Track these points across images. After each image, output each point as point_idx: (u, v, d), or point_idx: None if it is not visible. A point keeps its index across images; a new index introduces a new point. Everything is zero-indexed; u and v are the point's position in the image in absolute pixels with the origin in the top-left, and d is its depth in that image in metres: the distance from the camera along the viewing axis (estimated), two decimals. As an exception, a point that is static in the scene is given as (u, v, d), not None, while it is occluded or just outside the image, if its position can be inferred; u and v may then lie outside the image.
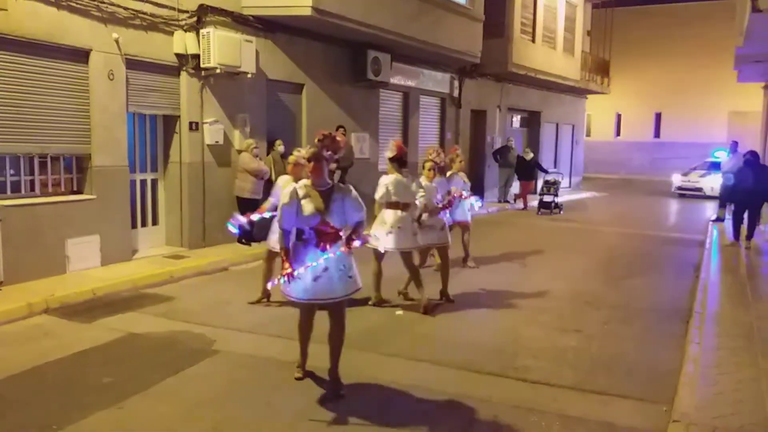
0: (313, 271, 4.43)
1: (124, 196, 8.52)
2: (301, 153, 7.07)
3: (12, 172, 7.49)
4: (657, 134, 33.15)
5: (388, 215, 6.75)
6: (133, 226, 8.92)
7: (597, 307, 7.36)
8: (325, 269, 4.46)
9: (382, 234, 6.71)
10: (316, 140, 4.55)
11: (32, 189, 7.69)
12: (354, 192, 4.64)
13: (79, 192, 8.14)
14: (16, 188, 7.52)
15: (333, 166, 10.43)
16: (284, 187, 6.99)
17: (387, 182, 6.73)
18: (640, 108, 32.70)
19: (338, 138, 4.57)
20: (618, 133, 34.10)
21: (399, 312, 6.90)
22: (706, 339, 5.95)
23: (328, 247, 4.48)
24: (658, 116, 32.97)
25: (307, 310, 4.76)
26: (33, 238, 7.36)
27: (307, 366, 5.02)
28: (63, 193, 7.98)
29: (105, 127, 8.17)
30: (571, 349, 5.88)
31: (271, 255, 6.84)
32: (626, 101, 32.34)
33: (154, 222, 9.47)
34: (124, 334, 5.99)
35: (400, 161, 6.78)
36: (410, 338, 6.11)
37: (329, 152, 4.52)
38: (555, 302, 7.55)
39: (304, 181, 4.63)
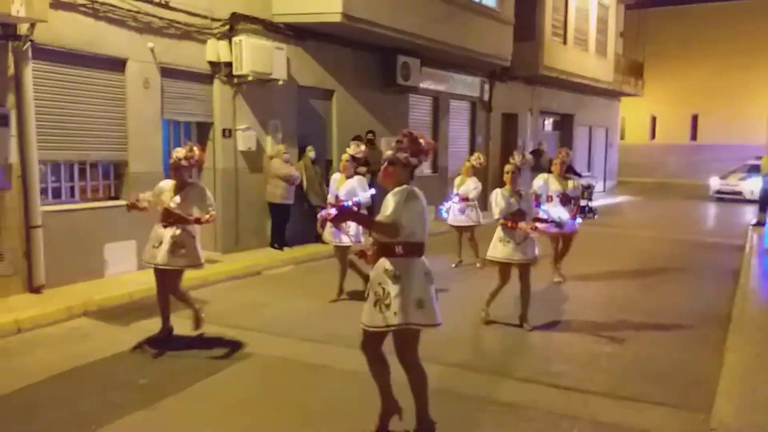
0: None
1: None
2: (352, 150, 7.25)
3: (53, 178, 7.72)
4: (694, 137, 32.43)
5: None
6: (168, 231, 9.07)
7: (632, 312, 7.23)
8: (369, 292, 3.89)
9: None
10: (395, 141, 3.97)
11: (72, 195, 7.92)
12: (404, 190, 3.81)
13: (117, 198, 8.34)
14: (56, 194, 7.75)
15: (363, 169, 10.53)
16: (338, 183, 7.20)
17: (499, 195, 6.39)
18: (676, 110, 32.04)
19: (422, 140, 3.86)
20: (653, 136, 33.47)
21: None
22: (745, 346, 5.79)
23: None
24: (695, 118, 32.26)
25: (363, 335, 3.99)
26: (73, 242, 7.56)
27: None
28: (101, 199, 8.20)
29: (141, 135, 8.37)
30: (604, 355, 5.79)
31: (342, 252, 7.22)
32: (661, 103, 31.73)
33: (189, 227, 9.62)
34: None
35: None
36: (435, 341, 6.09)
37: (406, 155, 3.81)
38: (588, 307, 7.46)
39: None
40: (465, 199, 9.23)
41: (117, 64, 8.06)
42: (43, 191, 7.51)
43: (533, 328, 6.43)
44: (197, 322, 5.96)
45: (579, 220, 8.18)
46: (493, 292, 6.60)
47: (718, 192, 21.79)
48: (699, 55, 30.45)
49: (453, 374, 5.24)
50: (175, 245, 5.63)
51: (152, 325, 6.41)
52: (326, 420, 4.39)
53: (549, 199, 8.05)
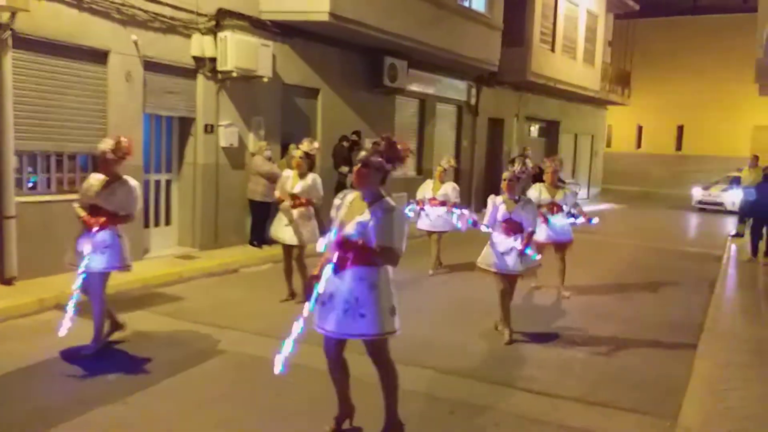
0: (322, 295, 3.80)
1: (137, 196, 8.62)
2: (305, 147, 7.00)
3: (30, 169, 7.62)
4: (679, 147, 32.74)
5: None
6: (146, 225, 9.02)
7: (608, 319, 7.27)
8: (330, 296, 3.78)
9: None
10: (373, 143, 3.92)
11: (48, 186, 7.83)
12: (398, 212, 3.73)
13: (94, 190, 8.25)
14: (32, 185, 7.64)
15: (345, 169, 10.45)
16: (293, 181, 6.94)
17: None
18: (662, 120, 32.32)
19: (399, 146, 3.79)
20: (639, 145, 33.75)
21: None
22: (716, 354, 5.85)
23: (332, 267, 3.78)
24: (681, 129, 32.57)
25: (328, 341, 3.96)
26: (47, 235, 7.46)
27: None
28: (77, 191, 8.08)
29: (122, 128, 8.22)
30: (578, 361, 5.83)
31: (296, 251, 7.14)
32: (648, 113, 31.99)
33: (167, 222, 9.58)
34: (131, 332, 6.02)
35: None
36: (413, 344, 6.09)
37: (381, 159, 3.73)
38: (566, 314, 7.48)
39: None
40: (443, 204, 8.95)
41: (99, 56, 7.99)
42: (18, 182, 7.39)
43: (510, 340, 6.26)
44: (112, 327, 5.69)
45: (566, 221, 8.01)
46: (501, 305, 6.29)
47: (700, 202, 22.03)
48: (686, 66, 30.75)
49: (427, 376, 5.24)
50: (100, 245, 5.31)
51: (125, 319, 6.36)
52: (297, 418, 4.37)
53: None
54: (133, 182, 5.47)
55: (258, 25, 9.92)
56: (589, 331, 6.76)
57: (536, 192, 7.87)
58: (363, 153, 3.83)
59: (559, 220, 7.89)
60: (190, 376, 5.04)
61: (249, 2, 9.78)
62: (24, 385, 4.79)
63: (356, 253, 3.69)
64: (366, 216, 3.70)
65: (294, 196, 6.95)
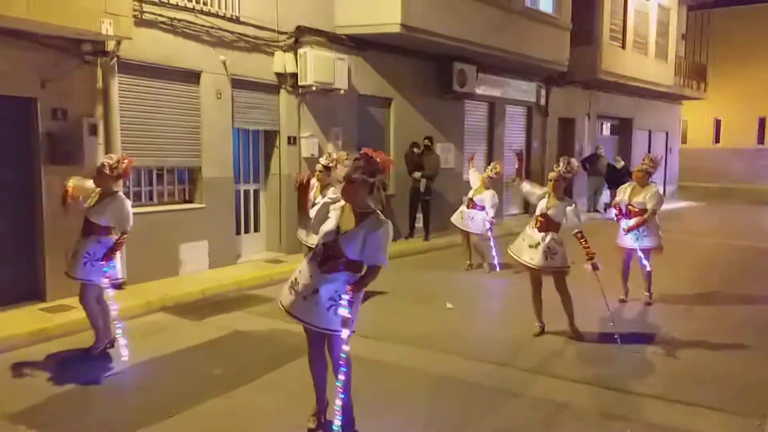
0: (303, 289, 4.04)
1: (229, 205, 9.26)
2: (324, 160, 7.12)
3: (133, 183, 8.31)
4: (761, 140, 31.19)
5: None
6: (237, 232, 9.64)
7: (690, 318, 7.24)
8: (315, 291, 4.00)
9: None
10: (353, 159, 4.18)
11: (150, 198, 8.51)
12: (384, 229, 4.01)
13: (191, 201, 8.90)
14: (136, 198, 8.32)
15: (418, 174, 10.64)
16: (316, 191, 6.88)
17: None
18: (742, 113, 30.88)
19: (377, 159, 4.07)
20: (717, 140, 32.38)
21: (449, 305, 7.39)
22: (804, 353, 5.77)
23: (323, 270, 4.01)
24: (762, 121, 31.04)
25: (308, 334, 4.26)
26: (151, 243, 8.11)
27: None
28: (176, 203, 8.77)
29: (213, 142, 8.91)
30: (660, 359, 5.87)
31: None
32: (726, 106, 30.65)
33: (256, 229, 10.16)
34: (231, 332, 6.56)
35: None
36: (502, 343, 6.32)
37: (363, 174, 3.99)
38: (647, 313, 7.49)
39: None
40: (478, 207, 9.27)
41: (192, 77, 8.61)
42: (125, 195, 8.03)
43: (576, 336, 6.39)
44: (99, 342, 5.75)
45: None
46: (533, 299, 6.53)
47: (787, 198, 21.03)
48: (765, 56, 29.33)
49: (504, 372, 5.45)
50: (89, 257, 5.41)
51: (224, 321, 6.90)
52: (374, 411, 4.56)
53: (627, 210, 7.51)
54: (124, 199, 5.59)
55: (334, 40, 10.38)
56: (670, 329, 6.76)
57: (622, 193, 7.68)
58: (347, 170, 4.09)
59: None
60: (286, 371, 5.40)
61: (325, 18, 10.26)
62: (138, 380, 5.30)
63: (348, 264, 3.99)
64: (356, 232, 3.96)
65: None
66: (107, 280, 5.51)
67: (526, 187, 6.77)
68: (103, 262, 5.46)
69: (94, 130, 7.45)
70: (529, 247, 6.32)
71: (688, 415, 4.66)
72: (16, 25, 6.38)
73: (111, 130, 7.61)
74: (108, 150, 7.45)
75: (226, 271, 8.80)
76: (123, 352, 5.53)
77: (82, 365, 5.51)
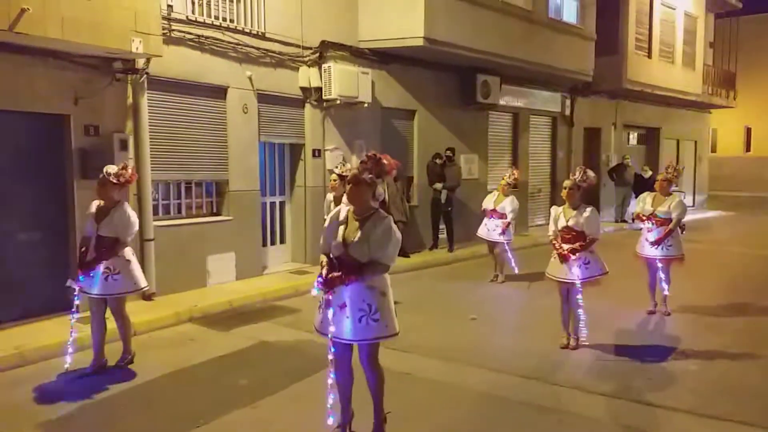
0: (330, 302, 4.03)
1: (256, 218, 9.40)
2: (340, 169, 7.13)
3: (162, 196, 8.50)
4: (794, 148, 30.56)
5: None
6: (263, 244, 9.77)
7: (719, 332, 7.09)
8: (342, 306, 4.01)
9: None
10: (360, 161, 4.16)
11: (179, 211, 8.68)
12: (385, 225, 4.00)
13: (218, 214, 9.06)
14: (165, 211, 8.52)
15: (439, 185, 10.60)
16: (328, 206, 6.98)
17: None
18: (773, 121, 30.32)
19: (384, 161, 4.05)
20: (748, 148, 31.78)
21: (473, 316, 7.39)
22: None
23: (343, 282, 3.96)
24: (795, 129, 30.42)
25: (336, 348, 4.17)
26: (180, 254, 8.29)
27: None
28: (204, 215, 8.93)
29: (240, 156, 9.07)
30: (689, 373, 5.75)
31: None
32: (757, 114, 30.08)
33: (282, 240, 10.29)
34: (257, 342, 6.64)
35: None
36: (528, 355, 6.29)
37: (371, 176, 4.01)
38: (674, 325, 7.38)
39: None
40: (502, 216, 9.29)
41: (219, 92, 8.79)
42: (154, 208, 8.20)
43: (575, 344, 6.38)
44: (127, 354, 5.87)
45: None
46: (561, 313, 6.51)
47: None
48: (798, 62, 28.77)
49: (531, 385, 5.42)
50: (109, 271, 5.50)
51: (250, 332, 6.98)
52: (404, 420, 4.63)
53: (654, 221, 7.46)
54: (128, 208, 5.62)
55: (357, 54, 10.51)
56: (699, 342, 6.64)
57: (642, 203, 7.70)
58: (353, 171, 4.12)
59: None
60: (312, 382, 5.40)
61: (349, 33, 10.40)
62: (168, 390, 5.39)
63: (357, 273, 3.95)
64: (362, 236, 3.96)
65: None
66: (79, 288, 5.53)
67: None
68: (80, 271, 5.48)
69: (124, 146, 7.64)
70: (560, 263, 6.27)
71: (720, 431, 4.60)
72: (51, 45, 6.62)
73: (141, 145, 7.81)
74: (138, 165, 7.66)
75: (253, 283, 8.92)
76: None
77: (111, 375, 5.63)
